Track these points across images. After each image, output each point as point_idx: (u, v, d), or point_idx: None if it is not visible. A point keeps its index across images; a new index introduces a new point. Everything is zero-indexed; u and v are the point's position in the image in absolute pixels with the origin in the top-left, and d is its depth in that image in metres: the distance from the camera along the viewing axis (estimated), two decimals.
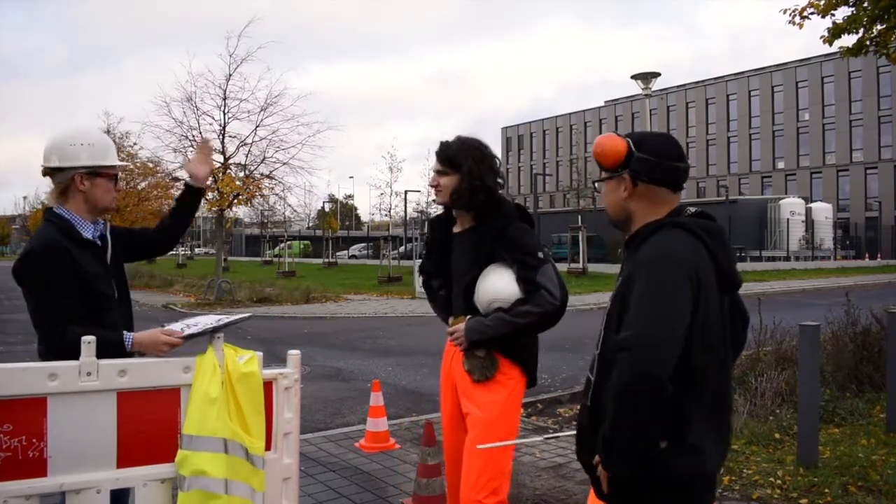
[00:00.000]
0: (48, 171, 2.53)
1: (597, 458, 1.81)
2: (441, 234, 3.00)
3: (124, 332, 2.43)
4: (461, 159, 2.77)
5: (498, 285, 2.70)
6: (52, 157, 2.50)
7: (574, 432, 2.02)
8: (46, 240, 2.44)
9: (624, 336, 1.69)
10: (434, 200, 2.98)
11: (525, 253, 2.69)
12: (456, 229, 2.93)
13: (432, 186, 2.87)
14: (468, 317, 2.76)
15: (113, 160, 2.57)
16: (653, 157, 1.85)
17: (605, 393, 1.77)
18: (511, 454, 2.85)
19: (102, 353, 2.18)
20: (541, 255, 2.70)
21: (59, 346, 2.32)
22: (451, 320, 2.90)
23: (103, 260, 2.57)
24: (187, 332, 2.38)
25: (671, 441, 1.72)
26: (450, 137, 2.87)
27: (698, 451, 1.75)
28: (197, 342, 2.38)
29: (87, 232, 2.55)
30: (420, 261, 3.38)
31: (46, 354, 2.38)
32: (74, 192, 2.51)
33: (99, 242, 2.58)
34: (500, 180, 2.84)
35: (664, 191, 1.87)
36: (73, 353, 2.17)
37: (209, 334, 2.34)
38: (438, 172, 2.82)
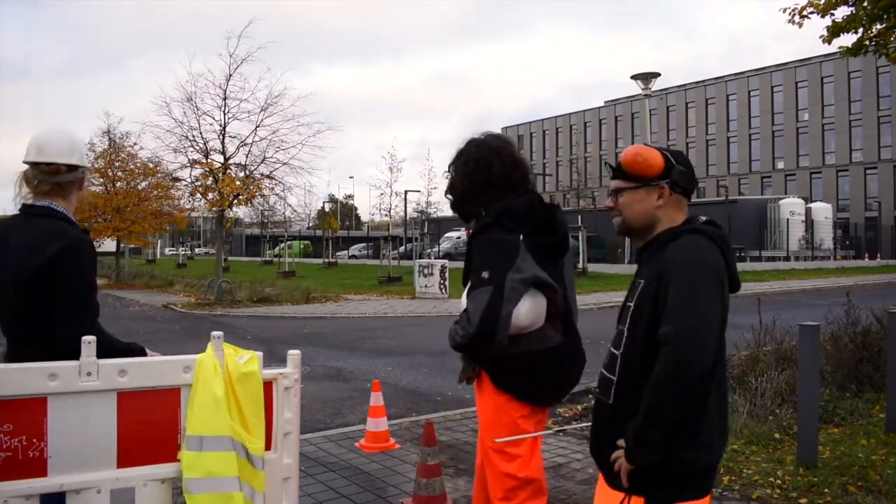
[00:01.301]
0: (61, 168, 2.43)
1: (616, 453, 1.89)
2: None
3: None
4: (455, 161, 2.83)
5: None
6: (73, 155, 2.45)
7: (584, 424, 2.11)
8: (83, 238, 2.40)
9: (667, 331, 1.79)
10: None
11: (474, 269, 2.59)
12: None
13: None
14: None
15: None
16: (688, 170, 2.00)
17: (628, 390, 1.88)
18: (519, 459, 2.67)
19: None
20: (485, 274, 2.51)
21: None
22: None
23: None
24: None
25: (688, 436, 1.83)
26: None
27: (708, 444, 1.87)
28: (197, 342, 2.39)
29: None
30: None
31: (65, 353, 2.21)
32: (75, 190, 2.48)
33: None
34: (500, 180, 2.72)
35: (685, 200, 2.02)
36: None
37: None
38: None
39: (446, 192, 2.86)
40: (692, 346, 1.74)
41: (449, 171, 2.86)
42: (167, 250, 64.53)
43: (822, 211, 43.95)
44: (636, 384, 1.86)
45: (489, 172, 2.72)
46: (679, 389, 1.74)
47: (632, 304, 1.97)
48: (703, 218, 2.02)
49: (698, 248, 1.88)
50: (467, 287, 2.67)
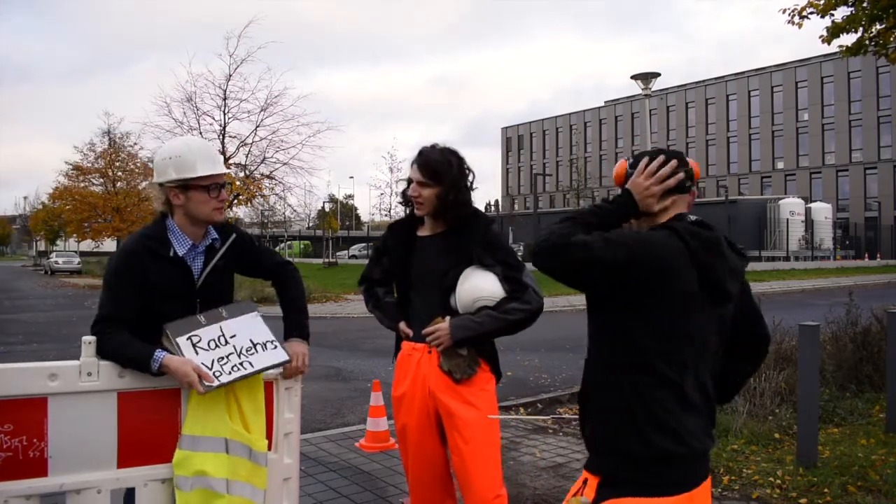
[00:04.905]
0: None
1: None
2: (402, 239, 2.91)
3: (156, 350, 2.24)
4: (443, 171, 2.72)
5: (483, 285, 2.71)
6: (154, 174, 2.54)
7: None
8: (126, 246, 2.50)
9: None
10: (414, 210, 2.82)
11: (508, 254, 2.79)
12: (423, 233, 2.86)
13: (413, 197, 2.77)
14: (447, 317, 2.73)
15: (204, 170, 2.43)
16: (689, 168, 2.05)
17: (590, 369, 1.92)
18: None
19: (128, 364, 2.21)
20: (520, 257, 2.86)
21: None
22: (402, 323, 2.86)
23: (189, 277, 2.44)
24: (218, 382, 2.22)
25: (648, 422, 1.78)
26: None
27: (676, 433, 1.78)
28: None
29: (182, 247, 2.45)
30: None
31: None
32: (174, 205, 2.49)
33: (189, 260, 2.46)
34: (473, 187, 2.90)
35: (678, 198, 2.02)
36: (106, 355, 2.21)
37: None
38: (421, 184, 2.73)
39: (462, 198, 2.78)
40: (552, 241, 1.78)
41: (454, 179, 2.78)
42: None
43: (822, 211, 43.94)
44: (593, 362, 1.92)
45: (470, 184, 2.88)
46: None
47: None
48: (693, 217, 2.00)
49: (645, 235, 1.90)
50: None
